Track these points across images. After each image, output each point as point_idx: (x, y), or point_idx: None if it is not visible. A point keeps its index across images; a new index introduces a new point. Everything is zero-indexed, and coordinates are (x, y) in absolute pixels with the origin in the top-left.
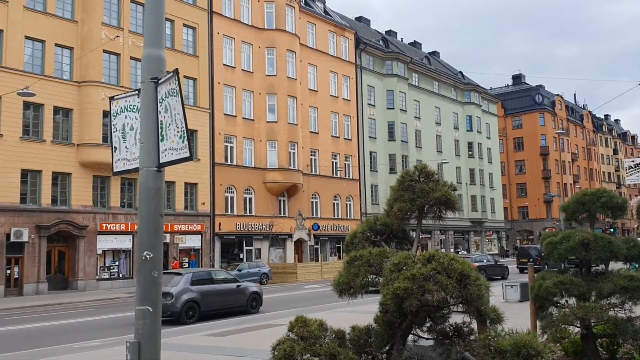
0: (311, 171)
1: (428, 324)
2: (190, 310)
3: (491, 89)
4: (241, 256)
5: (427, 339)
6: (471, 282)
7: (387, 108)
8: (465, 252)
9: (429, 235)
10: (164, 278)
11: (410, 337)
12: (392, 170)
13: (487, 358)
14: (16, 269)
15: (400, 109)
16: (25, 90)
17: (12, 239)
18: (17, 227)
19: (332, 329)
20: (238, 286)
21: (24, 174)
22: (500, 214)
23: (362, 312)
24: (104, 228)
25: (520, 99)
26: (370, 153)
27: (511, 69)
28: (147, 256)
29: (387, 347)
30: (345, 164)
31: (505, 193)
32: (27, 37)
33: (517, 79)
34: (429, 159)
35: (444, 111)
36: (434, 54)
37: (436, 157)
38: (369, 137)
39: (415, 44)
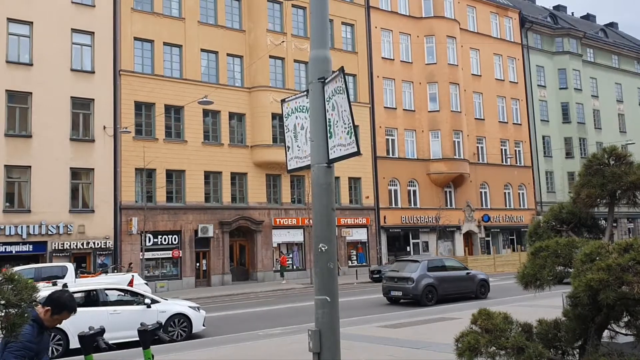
0: (478, 160)
1: (626, 319)
2: (429, 294)
3: None
4: (408, 249)
5: (625, 334)
6: None
7: (560, 88)
8: None
9: (615, 224)
10: (400, 265)
11: (606, 333)
12: (569, 154)
13: None
14: (204, 261)
15: (575, 88)
16: (204, 99)
17: (200, 234)
18: (203, 223)
19: (517, 322)
20: (468, 273)
21: (207, 175)
22: None
23: (543, 306)
24: (278, 223)
25: None
26: (543, 137)
27: None
28: (323, 248)
29: (580, 342)
30: (515, 150)
31: None
32: (202, 50)
33: None
34: (610, 141)
35: (627, 87)
36: (611, 25)
37: (619, 138)
38: (541, 120)
39: (588, 17)
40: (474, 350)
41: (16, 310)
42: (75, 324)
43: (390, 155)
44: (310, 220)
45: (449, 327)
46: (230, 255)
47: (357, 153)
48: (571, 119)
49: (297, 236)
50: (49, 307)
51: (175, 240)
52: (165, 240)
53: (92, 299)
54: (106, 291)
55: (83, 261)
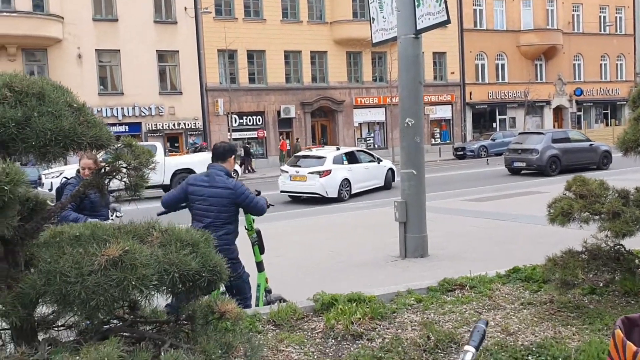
0: (573, 29)
1: None
2: (553, 165)
3: None
4: (494, 125)
5: None
6: None
7: None
8: None
9: None
10: (524, 137)
11: None
12: None
13: None
14: (287, 141)
15: None
16: None
17: (282, 115)
18: (285, 104)
19: (614, 188)
20: (591, 145)
21: (287, 55)
22: None
23: (635, 180)
24: (359, 102)
25: None
26: None
27: None
28: (409, 123)
29: None
30: (615, 17)
31: None
32: None
33: None
34: None
35: None
36: None
37: None
38: None
39: None
40: (566, 215)
41: (137, 172)
42: (354, 176)
43: (478, 27)
44: (393, 99)
45: (537, 200)
46: (312, 135)
47: (447, 21)
48: None
49: (378, 115)
50: (231, 156)
51: (259, 121)
52: (250, 121)
53: (354, 158)
54: (358, 152)
55: (175, 141)
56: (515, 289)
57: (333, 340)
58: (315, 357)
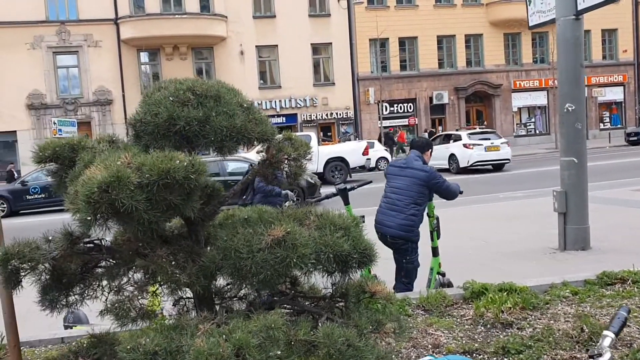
0: None
1: None
2: None
3: None
4: None
5: None
6: None
7: None
8: None
9: None
10: None
11: None
12: None
13: None
14: (440, 128)
15: None
16: None
17: (434, 101)
18: (437, 90)
19: None
20: None
21: (440, 40)
22: None
23: None
24: (517, 85)
25: None
26: None
27: None
28: (569, 108)
29: None
30: None
31: None
32: None
33: None
34: None
35: None
36: None
37: None
38: None
39: None
40: None
41: (296, 163)
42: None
43: None
44: (555, 81)
45: None
46: (466, 121)
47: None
48: None
49: (539, 99)
50: (429, 150)
51: (410, 108)
52: (400, 109)
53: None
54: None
55: (328, 130)
56: None
57: (482, 327)
58: (464, 342)
